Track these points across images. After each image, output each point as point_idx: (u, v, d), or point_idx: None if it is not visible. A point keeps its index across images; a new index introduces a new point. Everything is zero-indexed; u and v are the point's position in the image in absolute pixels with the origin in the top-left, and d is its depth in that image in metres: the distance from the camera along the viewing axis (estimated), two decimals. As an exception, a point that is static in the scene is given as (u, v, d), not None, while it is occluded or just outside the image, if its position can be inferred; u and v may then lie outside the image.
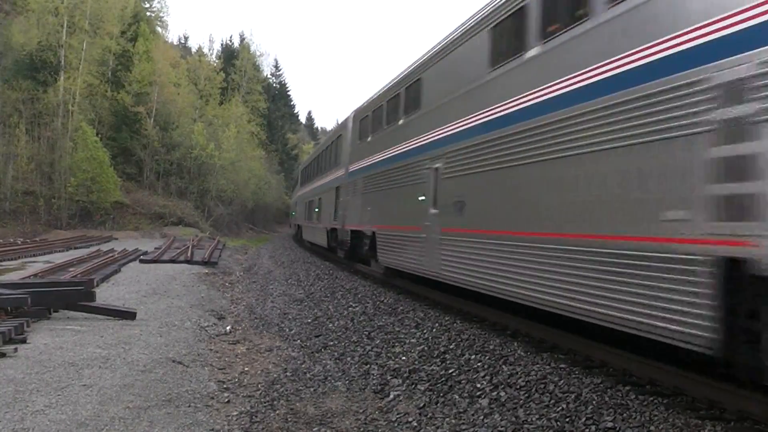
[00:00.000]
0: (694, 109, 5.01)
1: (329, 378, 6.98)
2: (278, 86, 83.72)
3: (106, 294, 12.42)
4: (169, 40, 66.46)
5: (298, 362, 7.76)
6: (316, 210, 26.16)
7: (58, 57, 42.60)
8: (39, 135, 42.20)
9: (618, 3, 6.06)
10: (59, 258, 20.52)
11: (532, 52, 7.71)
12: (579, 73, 6.61)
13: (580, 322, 6.54)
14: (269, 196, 64.78)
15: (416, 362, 7.42)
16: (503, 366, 6.83)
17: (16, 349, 7.30)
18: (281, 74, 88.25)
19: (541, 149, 7.26)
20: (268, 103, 67.81)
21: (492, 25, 8.97)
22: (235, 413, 5.70)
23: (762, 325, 4.54)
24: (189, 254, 22.94)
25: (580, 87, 6.57)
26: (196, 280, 16.52)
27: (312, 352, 8.34)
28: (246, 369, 7.43)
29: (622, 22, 6.01)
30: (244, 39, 70.29)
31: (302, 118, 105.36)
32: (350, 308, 11.74)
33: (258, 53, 67.88)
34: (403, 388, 6.43)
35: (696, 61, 5.07)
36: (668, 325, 5.11)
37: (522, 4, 7.97)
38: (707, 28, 5.00)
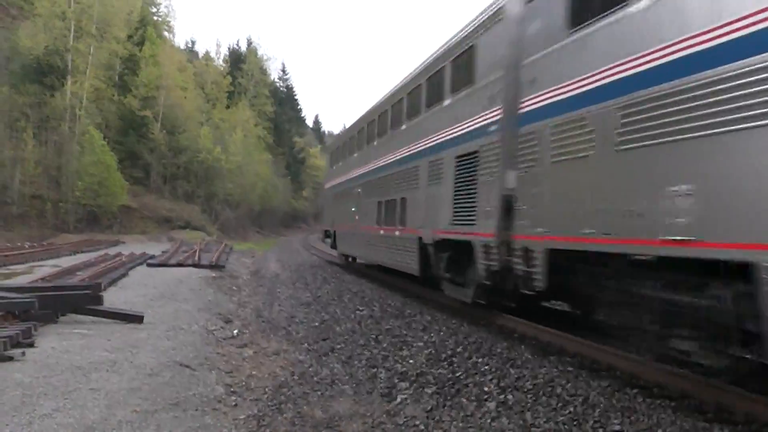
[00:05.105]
0: None
1: (336, 381, 6.98)
2: (285, 90, 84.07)
3: (113, 298, 12.46)
4: (176, 45, 66.85)
5: (306, 365, 7.76)
6: None
7: (65, 61, 42.88)
8: (46, 139, 42.42)
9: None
10: (67, 262, 20.61)
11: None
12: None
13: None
14: (276, 199, 64.95)
15: (424, 366, 7.41)
16: (510, 369, 6.81)
17: (23, 353, 7.33)
18: (288, 78, 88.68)
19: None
20: (275, 107, 68.11)
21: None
22: (242, 417, 5.71)
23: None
24: (196, 258, 23.01)
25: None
26: (203, 283, 16.55)
27: (319, 356, 8.34)
28: (253, 372, 7.44)
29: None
30: (251, 43, 70.84)
31: (309, 122, 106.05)
32: (357, 311, 11.73)
33: (265, 57, 68.58)
34: (411, 392, 6.41)
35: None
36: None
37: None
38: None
